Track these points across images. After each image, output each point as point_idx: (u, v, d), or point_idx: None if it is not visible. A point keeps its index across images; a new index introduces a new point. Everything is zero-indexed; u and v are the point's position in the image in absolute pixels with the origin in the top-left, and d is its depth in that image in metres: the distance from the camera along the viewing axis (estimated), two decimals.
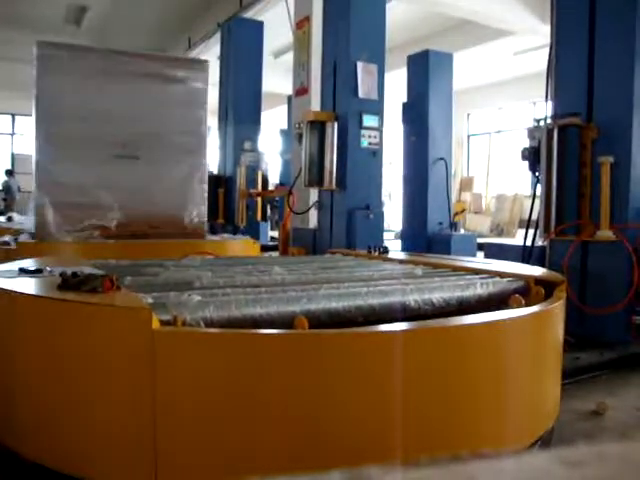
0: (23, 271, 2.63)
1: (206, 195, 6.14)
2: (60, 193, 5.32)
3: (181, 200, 5.91)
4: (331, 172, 5.86)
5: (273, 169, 11.75)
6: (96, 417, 1.97)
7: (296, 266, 3.34)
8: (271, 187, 9.71)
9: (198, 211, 6.02)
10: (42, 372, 2.12)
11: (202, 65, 6.16)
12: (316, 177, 5.92)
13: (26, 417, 2.18)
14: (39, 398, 2.13)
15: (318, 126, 5.91)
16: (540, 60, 10.58)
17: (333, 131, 5.85)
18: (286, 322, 2.15)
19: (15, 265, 2.88)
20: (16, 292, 2.26)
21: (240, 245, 6.13)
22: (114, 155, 5.53)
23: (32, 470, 2.07)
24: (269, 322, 2.15)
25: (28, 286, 2.35)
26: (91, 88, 5.45)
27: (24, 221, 6.98)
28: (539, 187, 4.61)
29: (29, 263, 2.97)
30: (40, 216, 5.29)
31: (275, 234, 10.00)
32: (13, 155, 19.51)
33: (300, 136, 6.10)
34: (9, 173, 18.14)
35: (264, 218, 9.30)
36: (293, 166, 7.10)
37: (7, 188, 17.75)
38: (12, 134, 20.09)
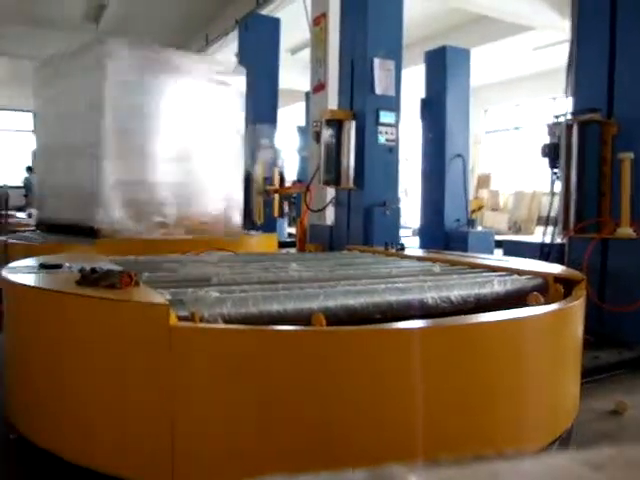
0: (43, 267, 2.66)
1: (242, 193, 6.26)
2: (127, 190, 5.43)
3: (221, 199, 5.98)
4: (348, 171, 5.84)
5: (290, 166, 11.75)
6: (113, 411, 1.98)
7: (313, 263, 3.34)
8: (288, 184, 9.72)
9: (237, 208, 6.12)
10: (60, 366, 2.14)
11: (240, 70, 6.25)
12: (333, 176, 5.91)
13: (44, 409, 2.21)
14: (56, 391, 2.15)
15: (335, 124, 5.89)
16: (559, 55, 10.46)
17: (350, 130, 5.83)
18: (303, 319, 2.15)
19: (36, 261, 2.91)
20: (36, 287, 2.29)
21: (259, 240, 6.18)
22: (164, 155, 5.57)
23: (48, 459, 2.09)
24: (286, 319, 2.15)
25: (47, 281, 2.37)
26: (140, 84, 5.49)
27: None
28: (558, 184, 4.56)
29: (49, 259, 3.00)
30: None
31: (292, 231, 10.01)
32: (34, 152, 19.66)
33: (317, 134, 6.09)
34: (30, 170, 18.31)
35: (281, 215, 9.31)
36: (310, 163, 7.09)
37: (28, 185, 17.93)
38: (33, 131, 20.27)
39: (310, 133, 6.65)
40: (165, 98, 5.53)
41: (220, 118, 5.93)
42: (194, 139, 5.76)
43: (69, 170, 5.50)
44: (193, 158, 5.76)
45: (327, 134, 5.90)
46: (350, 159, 5.82)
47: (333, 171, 5.88)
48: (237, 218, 6.15)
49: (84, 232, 5.26)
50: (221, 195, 6.00)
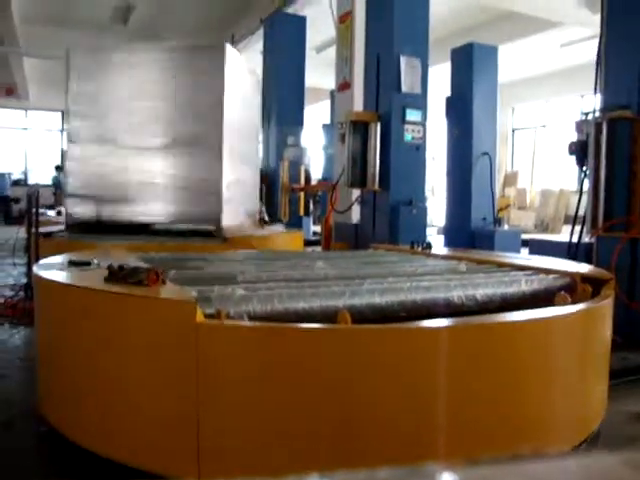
0: (72, 264, 2.70)
1: (257, 194, 6.29)
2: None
3: (237, 197, 6.03)
4: (374, 174, 5.83)
5: (316, 164, 11.75)
6: (141, 405, 2.01)
7: (339, 261, 3.34)
8: (314, 182, 9.72)
9: (255, 208, 6.17)
10: (88, 361, 2.17)
11: (257, 76, 6.32)
12: (359, 178, 5.90)
13: (73, 403, 2.25)
14: (84, 386, 2.19)
15: (361, 127, 5.88)
16: (588, 52, 10.30)
17: (376, 132, 5.81)
18: (329, 317, 2.15)
19: (65, 258, 2.96)
20: (65, 284, 2.33)
21: (286, 236, 6.23)
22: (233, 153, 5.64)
23: (77, 451, 2.12)
24: (312, 316, 2.16)
25: (76, 278, 2.41)
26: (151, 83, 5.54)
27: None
28: (586, 182, 4.50)
29: (78, 256, 3.04)
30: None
31: (317, 229, 10.01)
32: (63, 151, 19.98)
33: (343, 136, 6.08)
34: (59, 168, 18.62)
35: (307, 213, 9.31)
36: (335, 163, 7.09)
37: (57, 183, 18.23)
38: (62, 130, 20.58)
39: (335, 134, 6.64)
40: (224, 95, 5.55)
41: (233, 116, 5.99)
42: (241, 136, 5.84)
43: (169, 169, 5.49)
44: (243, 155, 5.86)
45: (352, 136, 5.89)
46: (376, 161, 5.81)
47: (359, 173, 5.88)
48: (254, 217, 6.22)
49: (198, 234, 5.36)
50: (232, 194, 6.06)
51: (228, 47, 5.54)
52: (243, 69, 6.13)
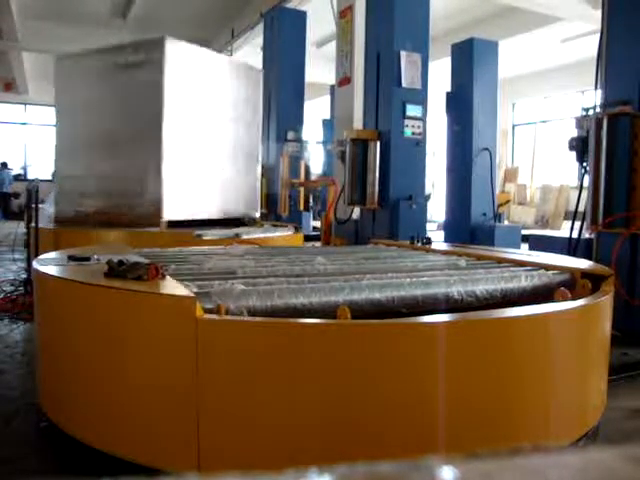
0: (72, 258, 2.70)
1: (259, 189, 6.34)
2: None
3: (235, 194, 6.04)
4: (373, 192, 5.86)
5: (316, 159, 11.74)
6: (140, 400, 2.01)
7: (339, 256, 3.34)
8: (314, 177, 9.70)
9: (252, 203, 6.19)
10: (88, 356, 2.17)
11: (256, 72, 6.28)
12: (358, 197, 5.94)
13: (73, 397, 2.25)
14: (84, 380, 2.19)
15: (361, 145, 5.89)
16: (589, 47, 10.30)
17: (375, 150, 5.82)
18: (329, 312, 2.15)
19: (65, 252, 2.96)
20: (64, 279, 2.33)
21: (283, 235, 6.20)
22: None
23: (76, 446, 2.13)
24: (312, 312, 2.16)
25: (76, 273, 2.41)
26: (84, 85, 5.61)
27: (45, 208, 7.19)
28: (587, 178, 4.49)
29: (78, 251, 3.04)
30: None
31: (317, 224, 10.01)
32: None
33: (342, 153, 6.10)
34: None
35: (306, 208, 9.31)
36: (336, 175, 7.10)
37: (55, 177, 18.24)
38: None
39: (334, 152, 6.65)
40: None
41: (231, 114, 6.05)
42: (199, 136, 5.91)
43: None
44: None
45: (352, 154, 5.93)
46: (375, 180, 5.84)
47: (358, 191, 5.93)
48: (251, 212, 6.28)
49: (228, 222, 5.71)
50: (230, 191, 6.19)
51: (172, 41, 5.48)
52: (218, 63, 6.08)
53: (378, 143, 5.83)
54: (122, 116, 5.53)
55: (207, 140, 5.89)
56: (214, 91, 5.92)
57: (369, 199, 5.87)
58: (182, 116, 5.54)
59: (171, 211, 5.40)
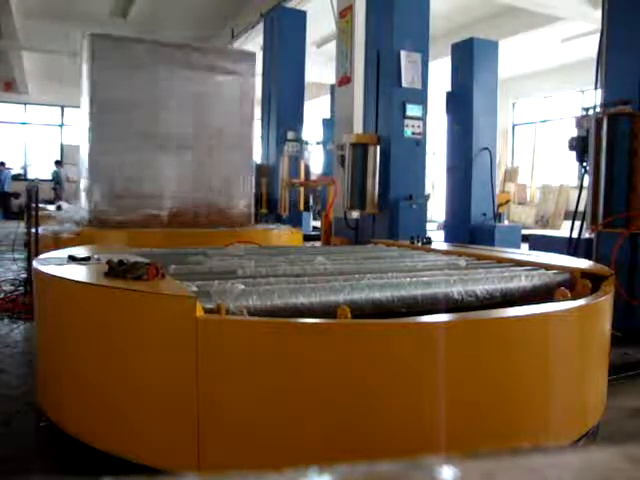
0: (72, 259, 2.70)
1: (253, 185, 6.30)
2: (113, 183, 5.45)
3: (229, 191, 6.01)
4: (373, 197, 5.86)
5: (316, 159, 11.73)
6: (140, 400, 2.01)
7: (339, 256, 3.34)
8: (314, 177, 9.69)
9: (246, 201, 6.16)
10: (88, 356, 2.17)
11: (251, 57, 6.21)
12: (358, 201, 5.95)
13: (73, 397, 2.25)
14: (84, 380, 2.19)
15: (360, 149, 5.89)
16: (589, 47, 10.29)
17: (375, 154, 5.83)
18: (329, 312, 2.15)
19: (64, 253, 2.95)
20: (64, 279, 2.32)
21: (283, 234, 6.18)
22: (164, 146, 5.62)
23: (75, 445, 2.13)
24: (312, 311, 2.16)
25: (76, 273, 2.41)
26: (141, 80, 5.54)
27: (69, 210, 7.12)
28: (587, 178, 4.50)
29: (77, 251, 3.04)
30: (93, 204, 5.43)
31: (317, 224, 10.00)
32: (62, 146, 19.99)
33: (342, 158, 6.10)
34: (58, 163, 18.63)
35: (306, 208, 9.30)
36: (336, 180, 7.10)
37: (57, 178, 18.24)
38: (61, 125, 20.54)
39: (335, 157, 6.64)
40: (157, 89, 5.65)
41: (223, 107, 6.01)
42: (189, 129, 5.92)
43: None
44: (190, 149, 5.94)
45: (352, 158, 5.93)
46: (375, 185, 5.85)
47: (357, 196, 5.93)
48: (245, 210, 6.26)
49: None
50: (223, 187, 6.13)
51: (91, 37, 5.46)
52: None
53: (378, 147, 5.83)
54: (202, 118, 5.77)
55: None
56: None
57: (369, 204, 5.87)
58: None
59: None
